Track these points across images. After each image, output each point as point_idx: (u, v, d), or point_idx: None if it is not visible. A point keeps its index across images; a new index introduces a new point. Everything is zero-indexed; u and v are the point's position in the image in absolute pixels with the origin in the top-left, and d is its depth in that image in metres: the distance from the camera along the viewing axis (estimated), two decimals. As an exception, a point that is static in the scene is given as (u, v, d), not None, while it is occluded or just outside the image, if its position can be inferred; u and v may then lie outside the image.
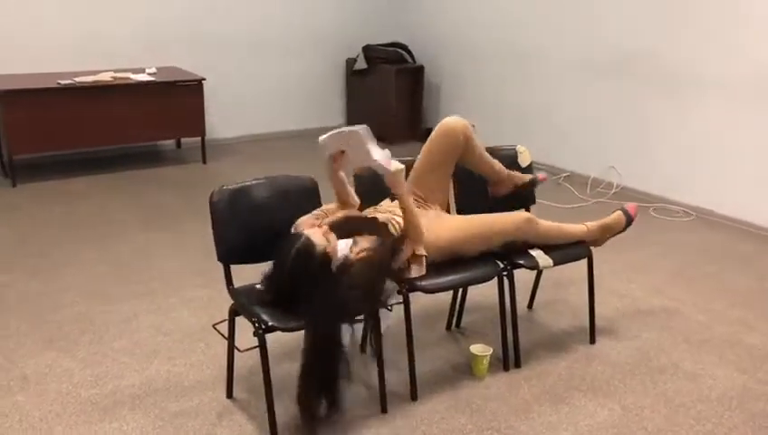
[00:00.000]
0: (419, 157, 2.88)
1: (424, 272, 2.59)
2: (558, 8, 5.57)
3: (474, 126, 2.88)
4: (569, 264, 2.98)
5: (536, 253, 2.86)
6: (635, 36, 5.05)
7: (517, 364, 2.91)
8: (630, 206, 3.09)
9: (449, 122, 2.82)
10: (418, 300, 2.84)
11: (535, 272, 3.27)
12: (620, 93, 5.23)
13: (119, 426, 2.47)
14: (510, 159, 3.12)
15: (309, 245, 2.31)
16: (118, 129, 5.32)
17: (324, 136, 2.50)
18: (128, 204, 4.79)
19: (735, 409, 2.67)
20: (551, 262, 2.85)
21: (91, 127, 5.20)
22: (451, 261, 2.70)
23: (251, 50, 6.37)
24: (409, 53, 6.74)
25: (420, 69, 6.69)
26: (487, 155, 2.94)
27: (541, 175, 3.14)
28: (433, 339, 3.13)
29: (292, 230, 2.46)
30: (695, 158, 4.83)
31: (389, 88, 6.51)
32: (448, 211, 3.01)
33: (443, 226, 2.74)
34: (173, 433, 2.44)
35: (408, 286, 2.56)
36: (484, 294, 3.21)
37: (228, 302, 2.53)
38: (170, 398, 2.64)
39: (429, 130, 2.93)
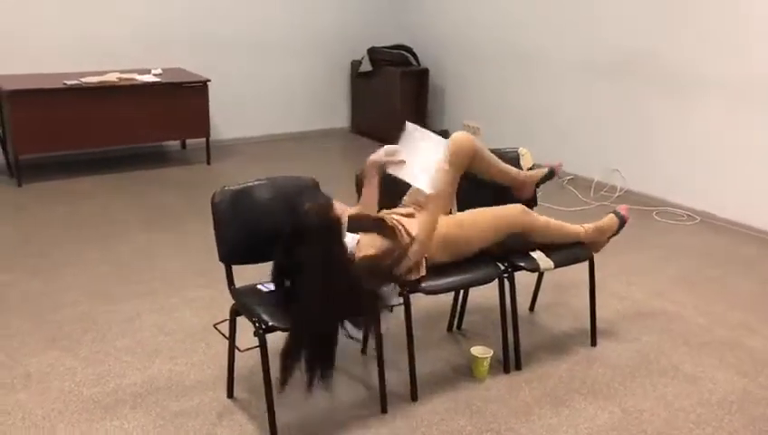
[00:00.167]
0: None
1: (424, 273, 2.60)
2: (558, 9, 5.58)
3: (479, 129, 2.88)
4: (570, 266, 2.98)
5: (537, 255, 2.86)
6: (635, 37, 5.05)
7: (518, 366, 2.91)
8: (622, 208, 3.11)
9: (457, 141, 2.76)
10: (420, 301, 2.85)
11: (537, 274, 3.27)
12: (621, 94, 5.24)
13: (120, 424, 2.49)
14: (512, 162, 3.11)
15: (329, 202, 2.41)
16: (123, 129, 5.34)
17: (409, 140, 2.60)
18: (131, 204, 4.81)
19: (736, 412, 2.67)
20: (551, 264, 2.86)
21: (96, 127, 5.23)
22: (452, 263, 2.71)
23: (251, 51, 6.38)
24: (414, 55, 6.75)
25: (425, 72, 6.69)
26: (500, 163, 2.93)
27: (556, 163, 3.16)
28: (434, 340, 3.14)
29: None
30: (697, 160, 4.82)
31: (394, 90, 6.52)
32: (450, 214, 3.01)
33: (440, 222, 2.74)
34: (174, 432, 2.46)
35: (408, 288, 2.57)
36: (485, 295, 3.22)
37: (230, 302, 2.54)
38: (171, 397, 2.66)
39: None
